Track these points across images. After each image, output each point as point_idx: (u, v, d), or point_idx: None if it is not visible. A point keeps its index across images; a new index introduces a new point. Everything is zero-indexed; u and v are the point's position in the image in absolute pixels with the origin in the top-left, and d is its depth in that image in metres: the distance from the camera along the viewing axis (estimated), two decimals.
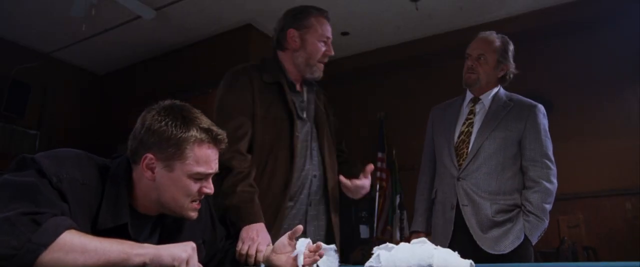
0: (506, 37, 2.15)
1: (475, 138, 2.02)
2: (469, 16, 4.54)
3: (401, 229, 4.45)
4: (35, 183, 0.94)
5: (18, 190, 0.92)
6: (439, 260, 0.96)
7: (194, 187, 1.11)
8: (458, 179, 2.01)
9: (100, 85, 5.77)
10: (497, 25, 4.64)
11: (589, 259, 3.59)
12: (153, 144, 1.09)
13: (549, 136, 2.00)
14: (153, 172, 1.10)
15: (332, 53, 1.87)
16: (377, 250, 1.05)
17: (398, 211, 4.51)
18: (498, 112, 2.04)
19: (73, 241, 0.89)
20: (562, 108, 3.93)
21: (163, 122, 1.09)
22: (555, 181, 1.94)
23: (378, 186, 4.42)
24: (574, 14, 4.34)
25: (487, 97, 2.11)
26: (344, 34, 4.93)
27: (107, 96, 5.66)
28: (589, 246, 3.71)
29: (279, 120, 1.75)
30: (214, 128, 1.15)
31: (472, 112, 2.13)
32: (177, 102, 1.16)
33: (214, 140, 1.14)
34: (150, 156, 1.09)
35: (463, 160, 2.02)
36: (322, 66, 1.87)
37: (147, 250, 0.96)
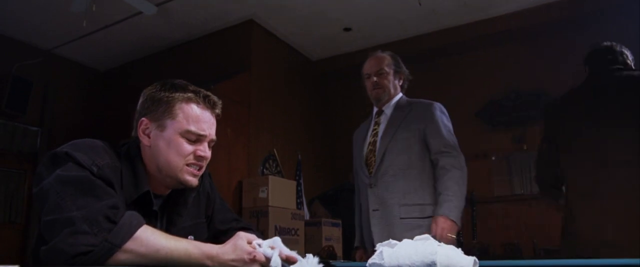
0: (392, 52, 2.32)
1: (379, 144, 2.14)
2: (474, 11, 4.51)
3: None
4: (88, 176, 0.98)
5: (78, 186, 0.96)
6: (442, 257, 0.94)
7: (187, 147, 1.13)
8: (370, 186, 2.11)
9: (101, 82, 5.77)
10: (501, 21, 4.62)
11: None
12: (146, 109, 1.15)
13: (449, 128, 2.12)
14: (149, 138, 1.14)
15: None
16: (380, 247, 1.03)
17: None
18: (397, 117, 2.17)
19: (147, 240, 0.94)
20: None
21: (155, 89, 1.16)
22: (464, 166, 2.02)
23: None
24: (576, 11, 4.30)
25: (389, 107, 2.24)
26: (347, 30, 4.91)
27: (109, 93, 5.65)
28: None
29: None
30: (204, 90, 1.18)
31: (377, 123, 2.25)
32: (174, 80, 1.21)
33: (204, 100, 1.16)
34: (145, 120, 1.14)
35: (372, 168, 2.13)
36: None
37: (208, 250, 0.99)
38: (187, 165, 1.14)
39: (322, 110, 5.66)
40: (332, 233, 4.32)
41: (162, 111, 1.13)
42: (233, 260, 0.98)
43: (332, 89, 5.70)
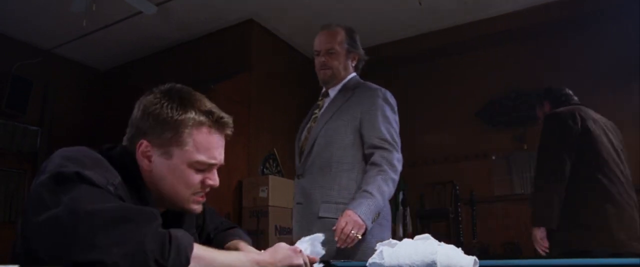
0: (349, 26, 2.01)
1: (313, 131, 1.90)
2: (474, 11, 4.51)
3: (404, 226, 4.44)
4: (120, 204, 0.86)
5: (108, 215, 0.80)
6: (442, 256, 0.94)
7: (196, 178, 1.01)
8: (298, 177, 1.94)
9: (101, 82, 5.77)
10: (501, 20, 4.62)
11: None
12: (148, 128, 0.99)
13: (390, 120, 1.82)
14: (150, 161, 1.00)
15: None
16: (380, 246, 1.03)
17: (401, 208, 4.50)
18: (337, 101, 1.91)
19: (205, 258, 0.87)
20: None
21: (158, 104, 0.99)
22: (398, 165, 1.77)
23: None
24: (576, 11, 4.30)
25: (334, 90, 1.97)
26: None
27: (109, 92, 5.65)
28: None
29: None
30: (216, 110, 1.04)
31: (319, 106, 2.01)
32: (178, 85, 1.06)
33: (216, 123, 1.03)
34: (145, 142, 0.99)
35: (304, 157, 1.92)
36: None
37: (254, 257, 0.97)
38: (194, 194, 1.03)
39: None
40: None
41: (168, 137, 0.98)
42: (280, 260, 1.00)
43: None
